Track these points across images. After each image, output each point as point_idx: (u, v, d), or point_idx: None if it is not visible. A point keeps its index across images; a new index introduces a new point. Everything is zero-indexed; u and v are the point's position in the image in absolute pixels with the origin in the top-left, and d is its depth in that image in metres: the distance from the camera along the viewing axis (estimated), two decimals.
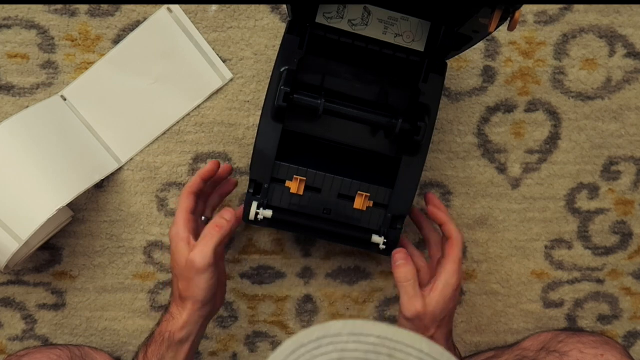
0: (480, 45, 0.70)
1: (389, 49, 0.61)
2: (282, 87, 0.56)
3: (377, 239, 0.62)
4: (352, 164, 0.63)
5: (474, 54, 0.70)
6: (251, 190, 0.61)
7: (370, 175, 0.63)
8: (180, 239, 0.59)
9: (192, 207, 0.62)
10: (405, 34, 0.60)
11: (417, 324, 0.58)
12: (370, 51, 0.61)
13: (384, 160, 0.63)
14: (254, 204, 0.61)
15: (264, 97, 0.60)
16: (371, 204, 0.62)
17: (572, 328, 0.76)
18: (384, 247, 0.62)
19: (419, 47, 0.61)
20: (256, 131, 0.61)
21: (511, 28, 0.45)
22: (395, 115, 0.59)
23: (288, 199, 0.62)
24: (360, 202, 0.62)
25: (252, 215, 0.61)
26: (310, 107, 0.58)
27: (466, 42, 0.55)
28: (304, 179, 0.61)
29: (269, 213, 0.61)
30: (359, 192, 0.62)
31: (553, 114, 0.72)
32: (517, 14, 0.44)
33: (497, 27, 0.46)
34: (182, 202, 0.61)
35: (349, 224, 0.62)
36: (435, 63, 0.61)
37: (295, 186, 0.61)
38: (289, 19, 0.61)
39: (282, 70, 0.59)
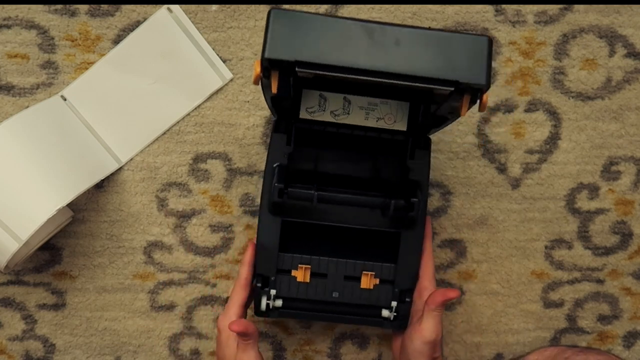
0: None
1: (373, 132, 0.63)
2: (276, 184, 0.58)
3: (386, 313, 0.63)
4: (354, 243, 0.64)
5: None
6: (259, 284, 0.62)
7: (373, 252, 0.63)
8: (231, 333, 0.61)
9: (245, 300, 0.63)
10: (386, 116, 0.62)
11: (432, 347, 0.60)
12: (356, 136, 0.63)
13: (384, 235, 0.63)
14: (264, 298, 0.62)
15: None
16: (377, 281, 0.63)
17: (573, 328, 0.76)
18: (393, 318, 0.63)
19: (402, 127, 0.63)
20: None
21: (481, 109, 0.47)
22: (389, 192, 0.60)
23: (296, 287, 0.62)
24: (367, 281, 0.62)
25: (263, 307, 0.62)
26: (305, 198, 0.59)
27: (444, 121, 0.56)
28: (309, 266, 0.62)
29: (279, 303, 0.62)
30: (364, 272, 0.62)
31: (553, 114, 0.72)
32: (484, 97, 0.46)
33: (468, 109, 0.47)
34: (235, 295, 0.63)
35: (359, 304, 0.63)
36: (419, 140, 0.62)
37: (301, 275, 0.62)
38: (273, 118, 0.62)
39: (274, 166, 0.61)
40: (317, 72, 0.44)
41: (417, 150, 0.62)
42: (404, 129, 0.63)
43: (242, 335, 0.59)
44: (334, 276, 0.62)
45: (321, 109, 0.62)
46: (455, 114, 0.52)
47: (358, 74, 0.44)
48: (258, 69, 0.45)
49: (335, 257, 0.63)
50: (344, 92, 0.62)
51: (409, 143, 0.62)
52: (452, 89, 0.45)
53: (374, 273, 0.62)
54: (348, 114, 0.62)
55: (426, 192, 0.63)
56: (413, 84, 0.44)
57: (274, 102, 0.56)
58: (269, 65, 0.45)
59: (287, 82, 0.47)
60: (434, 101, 0.54)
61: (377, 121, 0.63)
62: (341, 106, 0.62)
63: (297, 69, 0.44)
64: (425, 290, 0.63)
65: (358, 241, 0.64)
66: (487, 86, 0.45)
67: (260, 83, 0.48)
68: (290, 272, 0.62)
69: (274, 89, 0.46)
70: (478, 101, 0.47)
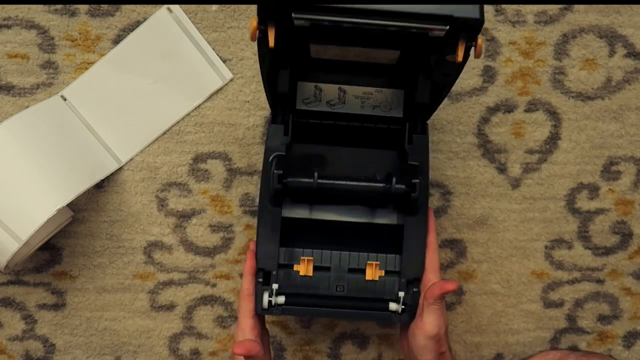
0: None
1: (370, 123, 0.62)
2: (275, 171, 0.58)
3: (394, 306, 0.61)
4: (356, 238, 0.63)
5: None
6: (260, 280, 0.60)
7: (377, 244, 0.63)
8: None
9: (254, 310, 0.61)
10: (382, 104, 0.62)
11: (436, 342, 0.59)
12: (352, 129, 0.63)
13: (387, 229, 0.63)
14: (265, 294, 0.60)
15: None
16: (383, 273, 0.62)
17: (573, 328, 0.76)
18: (402, 311, 0.61)
19: (398, 113, 0.63)
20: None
21: (477, 55, 0.47)
22: (389, 179, 0.60)
23: (298, 282, 0.61)
24: (372, 272, 0.61)
25: (265, 304, 0.60)
26: (305, 187, 0.58)
27: (439, 93, 0.56)
28: (311, 258, 0.61)
29: (281, 299, 0.60)
30: (368, 262, 0.61)
31: (553, 114, 0.72)
32: (479, 40, 0.47)
33: (466, 57, 0.48)
34: (242, 307, 0.60)
35: (365, 297, 0.62)
36: (416, 125, 0.62)
37: (303, 268, 0.61)
38: (270, 107, 0.62)
39: (271, 158, 0.61)
40: (314, 16, 0.44)
41: (415, 136, 0.62)
42: (400, 115, 0.63)
43: (246, 357, 0.57)
44: (338, 269, 0.61)
45: (317, 100, 0.62)
46: (452, 74, 0.52)
47: (355, 14, 0.44)
48: (255, 23, 0.46)
49: (339, 250, 0.61)
50: (338, 82, 0.62)
51: (406, 128, 0.62)
52: (447, 27, 0.45)
53: (379, 263, 0.61)
54: (344, 103, 0.62)
55: (427, 178, 0.62)
56: (410, 24, 0.45)
57: (270, 77, 0.55)
58: (265, 15, 0.45)
59: (283, 35, 0.46)
60: (428, 53, 0.53)
61: (373, 109, 0.62)
62: (336, 96, 0.62)
63: (293, 15, 0.44)
64: (430, 283, 0.61)
65: (360, 236, 0.63)
66: (481, 21, 0.45)
67: (257, 44, 0.48)
68: (292, 266, 0.61)
69: (271, 42, 0.46)
70: (473, 49, 0.47)
